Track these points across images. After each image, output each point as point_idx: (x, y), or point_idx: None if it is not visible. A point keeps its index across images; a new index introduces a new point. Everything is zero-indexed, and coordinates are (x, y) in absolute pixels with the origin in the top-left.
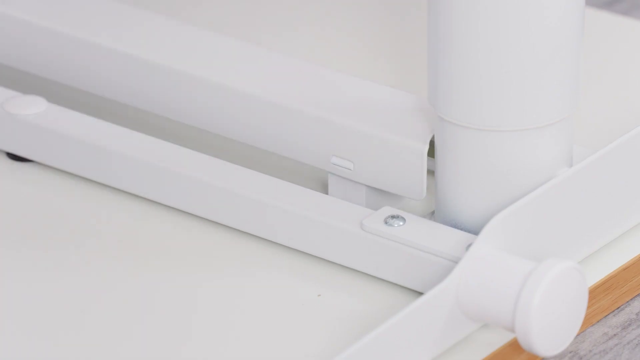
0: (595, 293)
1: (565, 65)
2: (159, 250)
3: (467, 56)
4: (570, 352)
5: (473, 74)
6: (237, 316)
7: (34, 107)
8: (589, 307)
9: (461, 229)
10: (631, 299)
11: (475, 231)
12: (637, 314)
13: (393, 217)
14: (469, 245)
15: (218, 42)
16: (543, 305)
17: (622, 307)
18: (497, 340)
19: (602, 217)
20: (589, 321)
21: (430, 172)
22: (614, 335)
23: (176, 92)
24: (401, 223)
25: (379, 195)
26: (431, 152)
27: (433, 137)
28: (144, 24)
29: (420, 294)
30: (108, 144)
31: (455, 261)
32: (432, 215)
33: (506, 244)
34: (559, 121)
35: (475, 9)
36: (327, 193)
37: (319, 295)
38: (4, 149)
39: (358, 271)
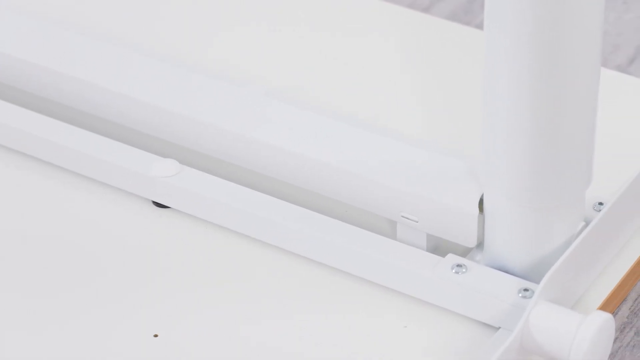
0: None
1: (586, 154)
2: (265, 286)
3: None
4: None
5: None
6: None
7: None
8: None
9: (505, 271)
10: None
11: (516, 273)
12: (627, 317)
13: (458, 265)
14: (521, 289)
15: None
16: (591, 347)
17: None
18: None
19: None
20: None
21: None
22: (615, 338)
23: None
24: (464, 270)
25: (437, 239)
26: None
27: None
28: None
29: (483, 323)
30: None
31: (511, 303)
32: (471, 251)
33: (550, 291)
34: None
35: None
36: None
37: (405, 326)
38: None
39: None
